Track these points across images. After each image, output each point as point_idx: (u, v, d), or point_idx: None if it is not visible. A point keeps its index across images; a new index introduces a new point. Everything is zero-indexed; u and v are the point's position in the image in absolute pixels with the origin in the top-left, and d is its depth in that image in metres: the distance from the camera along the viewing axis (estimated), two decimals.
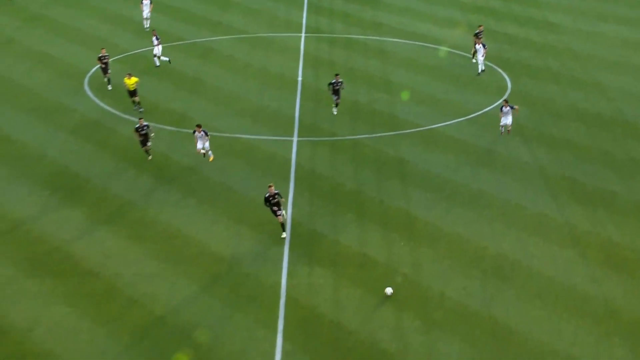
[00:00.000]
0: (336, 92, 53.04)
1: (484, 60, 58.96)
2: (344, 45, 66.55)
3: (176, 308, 35.14)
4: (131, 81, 52.37)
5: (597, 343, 32.94)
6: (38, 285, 36.51)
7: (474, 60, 60.22)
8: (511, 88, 57.73)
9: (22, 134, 51.07)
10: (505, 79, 59.22)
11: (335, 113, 53.39)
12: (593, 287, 36.30)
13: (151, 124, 50.93)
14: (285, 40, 67.89)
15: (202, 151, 46.63)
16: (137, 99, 53.43)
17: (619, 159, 47.58)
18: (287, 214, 40.68)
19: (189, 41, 67.65)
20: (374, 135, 50.86)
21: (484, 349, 32.60)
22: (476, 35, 60.24)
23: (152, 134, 47.20)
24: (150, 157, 47.41)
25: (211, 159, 46.82)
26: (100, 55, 56.84)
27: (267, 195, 39.00)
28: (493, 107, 54.47)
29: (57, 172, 45.49)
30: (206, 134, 46.18)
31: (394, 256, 38.54)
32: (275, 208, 39.29)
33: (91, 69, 61.02)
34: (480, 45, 58.55)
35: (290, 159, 47.82)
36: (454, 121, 52.42)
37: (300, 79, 59.65)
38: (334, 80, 52.92)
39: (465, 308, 34.99)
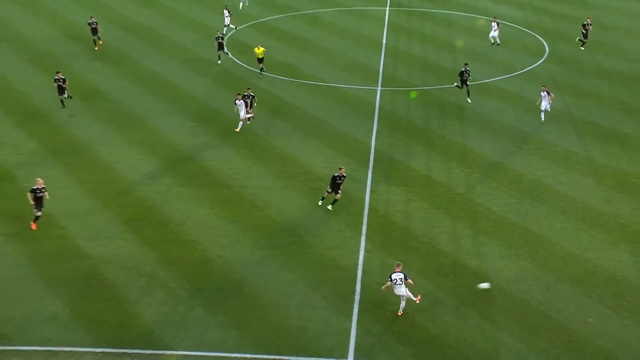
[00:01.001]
0: (464, 82, 47.75)
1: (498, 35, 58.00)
2: (419, 16, 66.15)
3: (286, 213, 36.01)
4: (260, 50, 52.09)
5: (607, 248, 33.00)
6: (188, 192, 37.76)
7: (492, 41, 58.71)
8: (549, 51, 56.87)
9: (179, 79, 52.21)
10: (544, 44, 58.29)
11: (470, 101, 48.11)
12: (606, 206, 36.19)
13: (271, 75, 51.65)
14: (374, 12, 67.61)
15: (243, 120, 43.93)
16: (262, 65, 52.77)
17: (634, 108, 46.98)
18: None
19: (301, 12, 67.61)
20: (439, 86, 50.72)
21: (519, 251, 32.86)
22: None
23: (255, 103, 45.54)
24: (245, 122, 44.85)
25: (237, 130, 43.96)
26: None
27: (336, 174, 35.50)
28: (535, 67, 53.83)
29: (201, 108, 46.41)
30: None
31: (452, 179, 38.80)
32: (337, 187, 35.60)
33: (228, 33, 61.69)
34: (496, 23, 57.60)
35: (374, 103, 48.08)
36: (503, 77, 51.93)
37: (384, 42, 59.42)
38: (463, 69, 47.95)
39: (505, 220, 35.19)
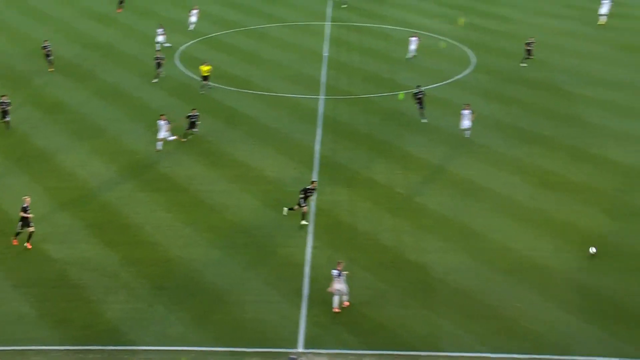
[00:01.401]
0: (420, 102, 45.85)
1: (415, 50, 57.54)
2: (358, 31, 66.21)
3: (240, 215, 35.89)
4: (206, 68, 50.63)
5: (532, 240, 33.51)
6: (147, 197, 37.50)
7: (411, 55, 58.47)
8: (476, 61, 57.39)
9: (137, 92, 51.60)
10: (471, 55, 58.85)
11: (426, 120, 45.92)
12: (531, 202, 36.68)
13: (223, 87, 51.34)
14: (316, 27, 67.58)
15: (162, 142, 41.55)
16: (207, 82, 50.70)
17: (553, 113, 47.60)
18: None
19: (248, 28, 67.30)
20: (379, 94, 50.90)
21: (456, 244, 33.22)
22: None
23: (199, 122, 43.74)
24: (185, 140, 43.21)
25: (158, 149, 41.79)
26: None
27: (309, 187, 34.46)
28: (463, 75, 54.36)
29: (158, 118, 45.80)
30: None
31: (392, 180, 38.96)
32: (305, 200, 34.28)
33: (180, 47, 61.14)
34: (415, 39, 57.27)
35: (319, 111, 48.05)
36: (436, 85, 52.31)
37: (326, 54, 59.43)
38: (416, 90, 46.23)
39: (442, 216, 35.49)
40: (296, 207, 34.57)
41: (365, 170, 39.94)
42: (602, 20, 67.03)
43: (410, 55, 56.95)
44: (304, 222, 34.52)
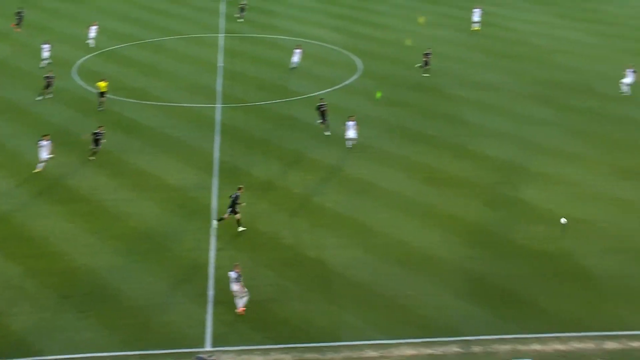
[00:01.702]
0: (323, 115, 44.49)
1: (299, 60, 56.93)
2: (251, 41, 65.95)
3: (144, 222, 35.17)
4: (103, 84, 48.80)
5: (421, 232, 34.06)
6: (49, 209, 36.24)
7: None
8: (363, 67, 58.05)
9: (36, 107, 49.68)
10: (358, 62, 59.49)
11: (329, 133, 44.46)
12: (419, 197, 37.32)
13: (122, 99, 50.22)
14: (210, 38, 66.89)
15: (45, 161, 39.35)
16: (104, 99, 48.63)
17: (435, 114, 48.60)
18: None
19: (145, 41, 66.00)
20: (273, 101, 50.81)
21: (352, 240, 33.48)
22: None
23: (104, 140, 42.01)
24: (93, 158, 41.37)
25: (38, 170, 39.51)
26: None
27: (235, 195, 33.54)
28: (351, 81, 54.90)
29: (58, 132, 44.33)
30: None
31: (289, 182, 38.93)
32: (236, 208, 33.38)
33: (78, 61, 59.39)
34: (299, 50, 56.77)
35: (216, 119, 47.57)
36: (326, 91, 52.60)
37: (221, 64, 58.93)
38: (319, 104, 44.91)
39: (338, 214, 35.71)
40: (227, 216, 33.84)
41: (263, 174, 39.79)
42: (475, 27, 69.07)
43: (293, 65, 56.73)
44: (241, 229, 33.77)
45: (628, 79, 51.44)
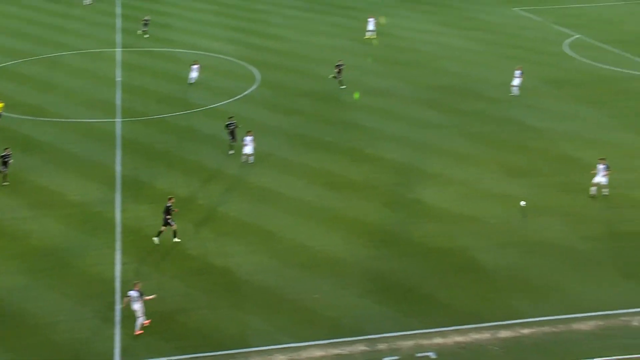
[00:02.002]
0: (232, 133, 42.92)
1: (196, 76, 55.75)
2: (149, 55, 64.79)
3: (46, 239, 34.02)
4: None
5: (324, 236, 34.27)
6: None
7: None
8: (260, 78, 57.97)
9: None
10: (256, 73, 59.39)
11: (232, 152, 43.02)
12: (320, 201, 37.52)
13: (18, 116, 48.40)
14: (107, 53, 65.34)
15: None
16: None
17: (332, 120, 48.95)
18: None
19: (39, 56, 63.83)
20: (174, 114, 50.05)
21: (256, 247, 33.33)
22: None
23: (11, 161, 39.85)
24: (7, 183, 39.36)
25: None
26: None
27: (168, 205, 32.93)
28: (250, 91, 54.71)
29: None
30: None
31: (193, 193, 38.38)
32: (169, 218, 32.78)
33: None
34: (197, 66, 55.62)
35: (116, 134, 46.46)
36: (226, 101, 52.27)
37: (119, 79, 57.64)
38: (228, 122, 43.44)
39: (242, 222, 35.52)
40: (163, 228, 33.05)
41: (167, 186, 39.10)
42: (370, 35, 70.29)
43: (191, 81, 55.76)
44: (176, 240, 33.24)
45: (516, 81, 53.30)
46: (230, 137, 43.25)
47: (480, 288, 30.09)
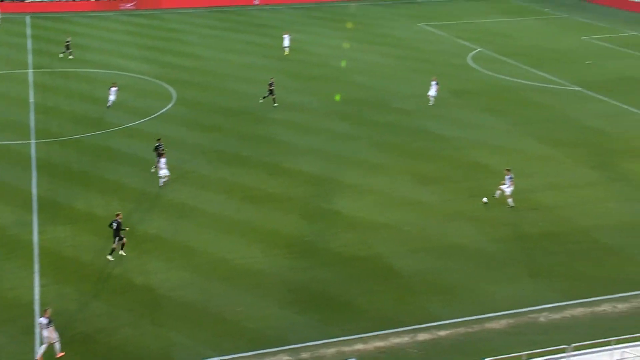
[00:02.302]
0: (160, 155, 40.63)
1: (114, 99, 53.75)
2: (63, 76, 63.05)
3: None
4: None
5: (244, 249, 34.02)
6: None
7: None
8: (176, 96, 57.23)
9: None
10: (172, 91, 58.61)
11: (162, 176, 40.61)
12: (239, 215, 37.24)
13: None
14: (19, 75, 63.23)
15: None
16: None
17: (248, 135, 48.69)
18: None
19: None
20: (90, 134, 48.77)
21: (177, 263, 32.76)
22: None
23: None
24: None
25: None
26: None
27: (115, 221, 32.40)
28: (167, 109, 53.89)
29: None
30: None
31: (111, 212, 37.27)
32: (119, 232, 32.38)
33: None
34: (115, 88, 53.67)
35: (31, 155, 44.90)
36: (142, 120, 51.33)
37: (32, 100, 55.83)
38: (157, 144, 41.77)
39: (162, 239, 34.89)
40: (115, 245, 32.43)
41: (84, 206, 38.03)
42: (286, 51, 70.52)
43: (109, 104, 54.13)
44: (122, 253, 32.73)
45: (432, 91, 54.49)
46: (157, 159, 41.21)
47: (398, 293, 30.37)
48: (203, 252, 33.48)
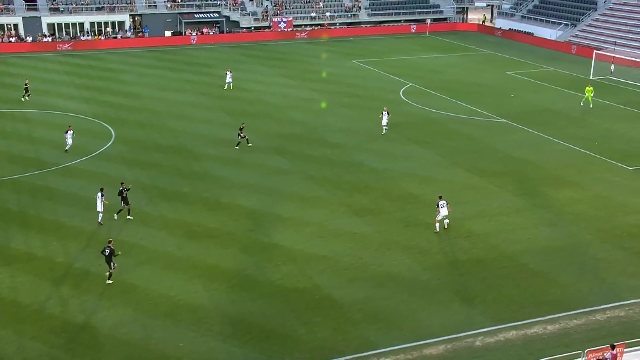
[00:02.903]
0: (124, 200, 40.16)
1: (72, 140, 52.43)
2: None
3: None
4: None
5: (185, 285, 33.51)
6: None
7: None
8: (115, 134, 56.42)
9: None
10: (110, 130, 57.78)
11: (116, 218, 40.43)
12: (180, 251, 36.72)
13: None
14: None
15: None
16: None
17: (187, 172, 48.23)
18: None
19: None
20: (27, 174, 47.53)
21: (118, 300, 31.95)
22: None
23: None
24: None
25: None
26: None
27: (108, 250, 32.67)
28: (106, 148, 53.00)
29: None
30: None
31: (50, 251, 36.41)
32: (110, 259, 32.72)
33: None
34: (71, 132, 52.27)
35: None
36: (81, 159, 50.33)
37: None
38: (121, 188, 40.34)
39: (102, 277, 33.97)
40: (112, 270, 33.11)
41: (22, 246, 36.91)
42: (230, 86, 72.41)
43: (67, 147, 52.45)
44: (109, 282, 33.07)
45: (384, 120, 56.36)
46: (123, 203, 40.26)
47: (337, 323, 30.31)
48: (144, 289, 32.82)
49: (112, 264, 33.02)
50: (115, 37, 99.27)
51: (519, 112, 63.94)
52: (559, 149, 53.62)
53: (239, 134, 53.47)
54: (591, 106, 64.94)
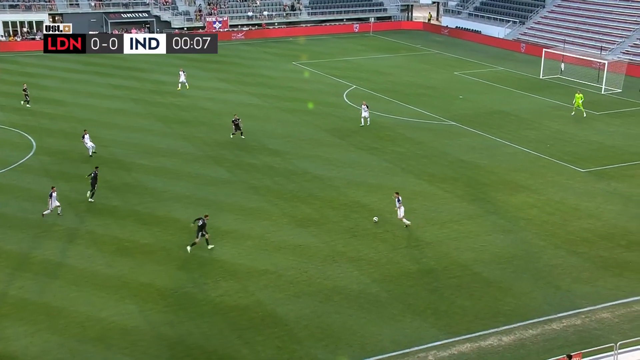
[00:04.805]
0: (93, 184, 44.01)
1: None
2: None
3: None
4: None
5: (116, 305, 32.94)
6: None
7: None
8: (36, 145, 55.22)
9: None
10: (31, 140, 56.51)
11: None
12: (109, 269, 36.11)
13: None
14: None
15: None
16: None
17: (117, 184, 47.50)
18: None
19: None
20: None
21: (42, 325, 31.17)
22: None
23: None
24: None
25: None
26: None
27: (202, 221, 37.28)
28: (27, 159, 51.82)
29: None
30: None
31: None
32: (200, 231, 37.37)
33: None
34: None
35: None
36: (1, 171, 49.18)
37: None
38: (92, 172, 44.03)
39: (24, 300, 33.21)
40: (194, 242, 36.41)
41: None
42: (186, 86, 73.45)
43: (91, 151, 52.10)
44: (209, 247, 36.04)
45: (365, 113, 60.24)
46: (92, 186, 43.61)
47: (282, 341, 30.22)
48: (72, 312, 32.13)
49: (200, 234, 36.96)
50: (34, 39, 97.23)
51: (468, 114, 65.07)
52: (510, 152, 54.74)
53: (237, 125, 56.55)
54: (584, 115, 64.69)
